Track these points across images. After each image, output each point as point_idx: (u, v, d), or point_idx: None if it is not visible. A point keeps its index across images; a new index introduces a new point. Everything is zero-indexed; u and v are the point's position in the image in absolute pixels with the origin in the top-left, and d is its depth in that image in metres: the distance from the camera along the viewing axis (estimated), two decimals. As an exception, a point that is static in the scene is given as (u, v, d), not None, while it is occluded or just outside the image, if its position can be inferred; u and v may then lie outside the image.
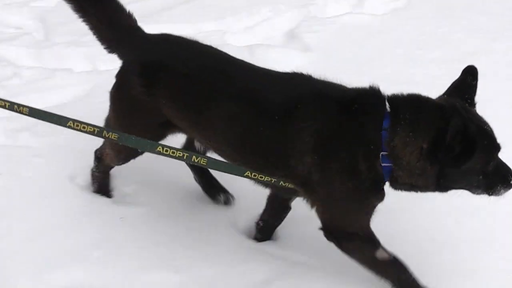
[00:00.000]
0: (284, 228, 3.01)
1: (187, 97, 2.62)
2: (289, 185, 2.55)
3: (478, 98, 2.45)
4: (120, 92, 2.80)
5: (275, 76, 2.60)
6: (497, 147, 2.33)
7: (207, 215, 3.11)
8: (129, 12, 2.87)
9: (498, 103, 3.70)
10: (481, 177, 2.33)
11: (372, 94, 2.44)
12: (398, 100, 2.39)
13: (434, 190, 2.41)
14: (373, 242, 2.54)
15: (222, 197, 3.16)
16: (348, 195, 2.44)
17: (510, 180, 2.35)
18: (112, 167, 3.16)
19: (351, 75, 2.72)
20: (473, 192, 2.43)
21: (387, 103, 2.38)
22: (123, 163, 3.04)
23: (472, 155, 2.21)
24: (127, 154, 2.94)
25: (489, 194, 2.40)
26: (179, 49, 2.72)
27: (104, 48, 2.87)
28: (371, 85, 2.46)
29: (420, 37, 4.74)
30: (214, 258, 2.85)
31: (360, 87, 2.50)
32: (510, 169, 2.37)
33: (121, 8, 2.87)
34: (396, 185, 2.45)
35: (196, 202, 3.19)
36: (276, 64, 3.24)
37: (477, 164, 2.27)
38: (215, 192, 3.18)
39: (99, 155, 3.11)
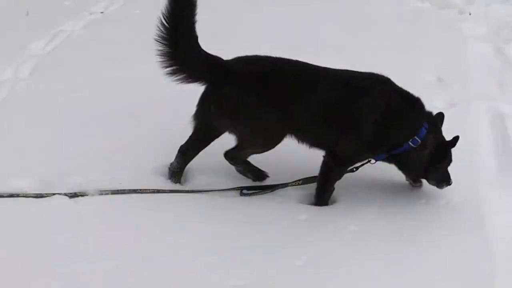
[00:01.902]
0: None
1: (286, 98, 3.53)
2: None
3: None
4: (241, 100, 3.57)
5: (339, 72, 3.61)
6: (451, 161, 3.71)
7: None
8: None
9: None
10: (435, 173, 3.70)
11: (421, 102, 3.64)
12: (432, 115, 3.67)
13: (418, 172, 3.71)
14: (343, 174, 3.70)
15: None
16: (376, 147, 3.57)
17: (448, 183, 3.71)
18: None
19: None
20: (430, 183, 3.74)
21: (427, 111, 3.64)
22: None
23: (444, 161, 3.67)
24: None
25: (437, 186, 3.72)
26: (267, 63, 3.63)
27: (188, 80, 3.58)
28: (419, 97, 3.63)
29: None
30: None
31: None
32: (450, 176, 3.72)
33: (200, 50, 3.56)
34: (401, 158, 3.63)
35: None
36: None
37: (442, 165, 3.68)
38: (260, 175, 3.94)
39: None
